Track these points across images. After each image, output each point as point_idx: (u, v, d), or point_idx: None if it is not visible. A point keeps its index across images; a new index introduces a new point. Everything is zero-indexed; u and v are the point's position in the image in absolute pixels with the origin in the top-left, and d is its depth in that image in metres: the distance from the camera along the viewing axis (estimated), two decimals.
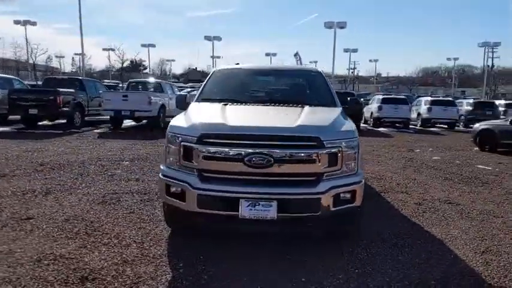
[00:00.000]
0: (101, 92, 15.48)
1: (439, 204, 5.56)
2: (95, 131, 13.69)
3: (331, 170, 3.40)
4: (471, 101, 24.14)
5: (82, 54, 39.27)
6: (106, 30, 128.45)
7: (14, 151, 8.69)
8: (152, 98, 14.14)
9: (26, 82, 18.73)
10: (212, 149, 3.32)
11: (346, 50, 56.81)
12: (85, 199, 5.24)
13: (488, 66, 58.64)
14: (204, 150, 3.32)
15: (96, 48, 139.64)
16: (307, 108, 4.09)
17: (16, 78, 18.16)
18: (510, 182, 7.38)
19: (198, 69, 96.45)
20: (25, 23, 46.32)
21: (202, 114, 3.90)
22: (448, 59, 66.41)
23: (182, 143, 3.45)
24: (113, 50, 58.42)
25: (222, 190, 3.31)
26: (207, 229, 3.89)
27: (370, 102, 21.97)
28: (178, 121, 3.77)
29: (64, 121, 14.23)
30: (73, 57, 71.52)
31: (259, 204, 3.25)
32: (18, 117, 14.00)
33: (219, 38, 52.72)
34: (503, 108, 22.04)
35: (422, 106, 21.34)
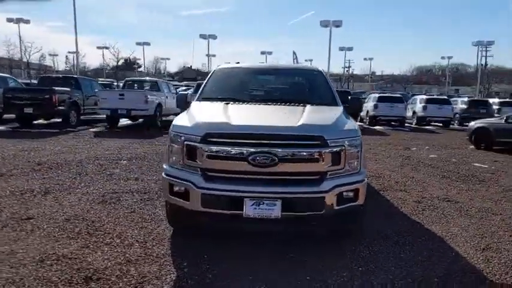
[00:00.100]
0: (96, 90, 15.37)
1: (438, 202, 5.61)
2: (91, 130, 13.61)
3: (334, 169, 3.42)
4: (466, 99, 24.31)
5: (76, 52, 39.06)
6: (100, 29, 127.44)
7: (10, 150, 8.62)
8: (149, 96, 14.07)
9: (20, 81, 18.55)
10: (216, 148, 3.32)
11: (341, 49, 57.06)
12: (85, 199, 5.21)
13: (481, 64, 59.13)
14: (208, 149, 3.32)
15: (90, 47, 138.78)
16: (309, 107, 4.10)
17: (11, 76, 17.99)
18: (506, 179, 7.45)
19: (193, 67, 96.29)
20: (18, 21, 45.92)
21: (206, 113, 3.90)
22: (443, 57, 67.23)
23: (186, 142, 3.44)
24: (107, 48, 58.23)
25: (226, 189, 3.32)
26: (210, 228, 3.89)
27: (366, 100, 22.05)
28: (181, 120, 3.76)
29: (60, 120, 14.12)
30: (67, 56, 71.06)
31: (263, 203, 3.26)
32: (13, 116, 13.89)
33: (214, 37, 52.62)
34: (497, 107, 22.23)
35: (417, 104, 21.46)
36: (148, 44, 60.15)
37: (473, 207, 5.44)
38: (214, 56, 59.95)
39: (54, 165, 7.23)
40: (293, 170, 3.35)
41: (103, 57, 62.78)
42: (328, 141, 3.36)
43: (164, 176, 3.65)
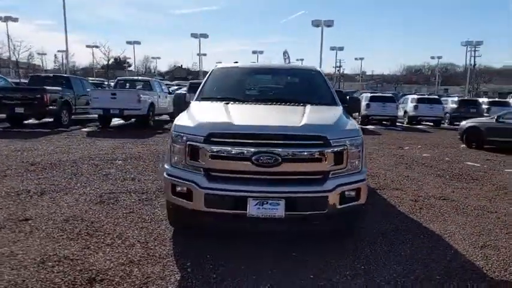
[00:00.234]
0: (88, 90, 15.20)
1: (434, 201, 5.68)
2: (83, 129, 13.46)
3: (337, 169, 3.44)
4: (456, 99, 24.64)
5: (66, 51, 38.53)
6: (89, 27, 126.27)
7: (3, 150, 8.49)
8: (141, 96, 13.97)
9: (9, 80, 18.25)
10: (220, 148, 3.31)
11: (332, 48, 57.25)
12: (82, 199, 5.16)
13: (470, 64, 59.97)
14: (211, 149, 3.31)
15: (79, 45, 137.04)
16: (309, 107, 4.11)
17: (1, 76, 17.69)
18: (499, 178, 7.57)
19: (183, 66, 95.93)
20: (6, 19, 45.21)
21: (207, 113, 3.88)
22: (432, 57, 67.92)
23: (188, 143, 3.43)
24: (97, 47, 57.57)
25: (230, 189, 3.31)
26: (212, 228, 3.88)
27: None
28: (183, 120, 3.74)
29: (51, 120, 13.95)
30: (55, 55, 70.28)
31: (267, 203, 3.27)
32: (3, 116, 13.67)
33: (205, 36, 52.42)
34: (486, 106, 22.56)
35: (408, 104, 21.67)
36: (138, 43, 59.84)
37: (468, 205, 5.52)
38: (205, 55, 59.78)
39: (49, 165, 7.14)
40: (296, 169, 3.37)
41: (93, 56, 62.14)
42: (330, 141, 3.38)
43: (166, 176, 3.63)
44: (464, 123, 12.68)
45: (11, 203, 4.90)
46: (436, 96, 24.92)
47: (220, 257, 3.52)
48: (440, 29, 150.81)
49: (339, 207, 3.42)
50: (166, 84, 22.79)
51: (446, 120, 22.14)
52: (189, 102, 4.61)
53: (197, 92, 4.84)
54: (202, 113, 3.86)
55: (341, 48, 58.14)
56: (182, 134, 3.52)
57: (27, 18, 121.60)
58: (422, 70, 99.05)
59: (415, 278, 3.27)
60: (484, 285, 3.23)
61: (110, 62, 55.71)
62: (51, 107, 13.15)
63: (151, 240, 3.88)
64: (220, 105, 4.14)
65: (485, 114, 19.34)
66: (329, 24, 41.80)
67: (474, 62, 62.14)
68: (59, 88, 14.08)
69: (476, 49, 59.43)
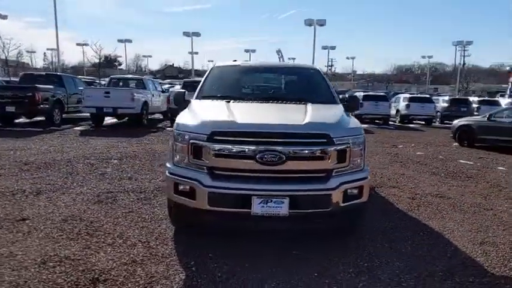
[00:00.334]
0: (80, 88, 15.02)
1: (431, 198, 5.73)
2: (76, 128, 13.30)
3: (340, 167, 3.45)
4: (447, 98, 24.89)
5: (57, 49, 38.04)
6: (78, 25, 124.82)
7: None
8: (135, 94, 13.85)
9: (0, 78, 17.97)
10: (223, 146, 3.30)
11: (324, 47, 57.30)
12: (79, 199, 5.10)
13: (460, 64, 60.71)
14: (215, 147, 3.30)
15: (69, 43, 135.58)
16: (310, 105, 4.11)
17: None
18: (492, 175, 7.68)
19: (174, 65, 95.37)
20: None
21: (209, 112, 3.86)
22: (423, 57, 68.73)
23: (191, 141, 3.41)
24: (87, 45, 56.86)
25: (233, 187, 3.30)
26: (216, 227, 3.86)
27: None
28: (185, 119, 3.71)
29: (42, 118, 13.76)
30: (45, 53, 69.31)
31: (271, 201, 3.26)
32: None
33: (198, 34, 52.01)
34: (476, 105, 22.86)
35: (401, 103, 21.85)
36: (130, 41, 59.05)
37: (465, 202, 5.58)
38: (196, 53, 59.44)
39: (43, 164, 7.04)
40: (300, 167, 3.37)
41: (83, 54, 61.32)
42: (334, 139, 3.39)
43: (168, 174, 3.61)
44: (457, 122, 12.83)
45: (7, 202, 4.83)
46: (428, 95, 25.16)
47: (223, 255, 3.51)
48: (429, 29, 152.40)
49: (342, 205, 3.43)
50: (160, 83, 22.62)
51: (438, 119, 22.38)
52: (189, 101, 4.58)
53: (197, 91, 4.80)
54: (205, 112, 3.83)
55: (333, 48, 58.27)
56: (185, 133, 3.50)
57: (16, 15, 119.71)
58: (412, 69, 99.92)
59: (418, 274, 3.30)
60: (485, 280, 3.27)
61: (101, 60, 54.93)
62: (42, 106, 12.98)
63: (153, 240, 3.85)
64: (221, 103, 4.12)
65: (475, 113, 19.60)
66: (321, 23, 41.87)
67: (463, 61, 62.99)
68: (51, 86, 13.90)
69: (466, 49, 60.16)
